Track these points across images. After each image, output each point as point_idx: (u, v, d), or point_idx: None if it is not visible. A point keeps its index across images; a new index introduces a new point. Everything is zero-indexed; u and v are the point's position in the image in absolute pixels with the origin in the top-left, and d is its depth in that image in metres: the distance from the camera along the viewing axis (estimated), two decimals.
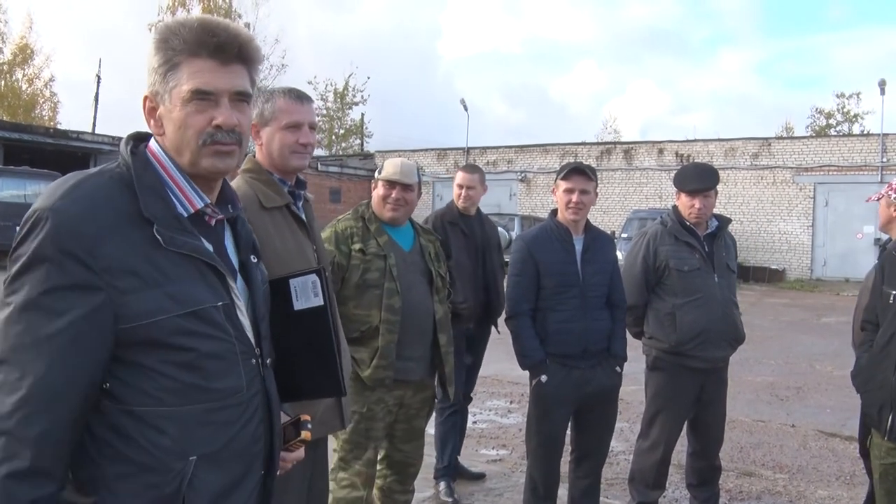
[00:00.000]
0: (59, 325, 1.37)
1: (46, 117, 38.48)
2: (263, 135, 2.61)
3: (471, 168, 4.94)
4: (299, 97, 2.62)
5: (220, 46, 1.52)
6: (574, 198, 3.76)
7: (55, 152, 23.43)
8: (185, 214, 1.53)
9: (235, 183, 2.64)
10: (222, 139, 1.53)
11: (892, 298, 3.26)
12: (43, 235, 1.37)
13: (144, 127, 1.62)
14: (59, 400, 1.37)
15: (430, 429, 4.34)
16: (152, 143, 1.58)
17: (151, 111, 1.56)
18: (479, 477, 5.02)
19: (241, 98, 1.57)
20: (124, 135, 1.61)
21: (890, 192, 4.16)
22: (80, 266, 1.37)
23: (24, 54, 37.77)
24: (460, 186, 4.81)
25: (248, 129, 1.61)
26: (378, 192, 3.42)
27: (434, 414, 4.70)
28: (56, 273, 1.37)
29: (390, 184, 3.38)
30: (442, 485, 4.63)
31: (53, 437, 1.37)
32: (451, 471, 4.71)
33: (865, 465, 4.18)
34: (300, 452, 1.84)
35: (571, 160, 19.72)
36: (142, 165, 1.52)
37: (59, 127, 31.42)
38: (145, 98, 1.56)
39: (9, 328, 1.37)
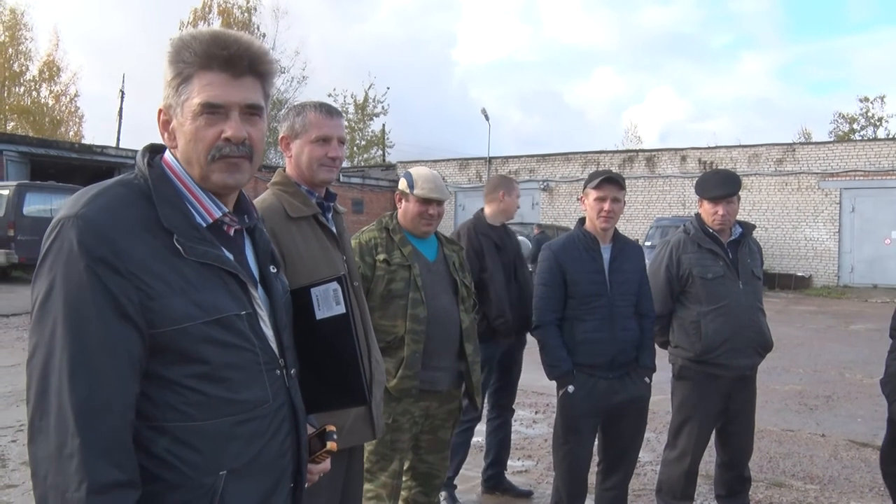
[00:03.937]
0: (97, 334, 1.36)
1: (72, 133, 39.07)
2: (293, 147, 2.65)
3: (511, 181, 5.00)
4: (329, 112, 2.66)
5: (230, 59, 1.50)
6: (606, 206, 3.74)
7: (80, 167, 23.76)
8: (204, 224, 1.53)
9: (264, 195, 2.66)
10: (230, 152, 1.51)
11: None
12: (70, 243, 1.37)
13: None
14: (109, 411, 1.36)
15: None
16: (167, 155, 1.57)
17: (165, 124, 1.56)
18: (527, 495, 4.82)
19: (252, 111, 1.55)
20: None
21: None
22: (110, 270, 1.37)
23: (51, 71, 38.45)
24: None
25: (261, 142, 1.59)
26: (413, 208, 3.37)
27: None
28: (87, 280, 1.36)
29: (426, 201, 3.37)
30: (443, 494, 4.58)
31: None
32: (452, 482, 4.62)
33: (884, 474, 4.08)
34: (326, 464, 1.82)
35: (594, 168, 19.70)
36: (158, 177, 1.52)
37: (83, 142, 31.84)
38: (159, 111, 1.56)
39: (45, 342, 1.36)
